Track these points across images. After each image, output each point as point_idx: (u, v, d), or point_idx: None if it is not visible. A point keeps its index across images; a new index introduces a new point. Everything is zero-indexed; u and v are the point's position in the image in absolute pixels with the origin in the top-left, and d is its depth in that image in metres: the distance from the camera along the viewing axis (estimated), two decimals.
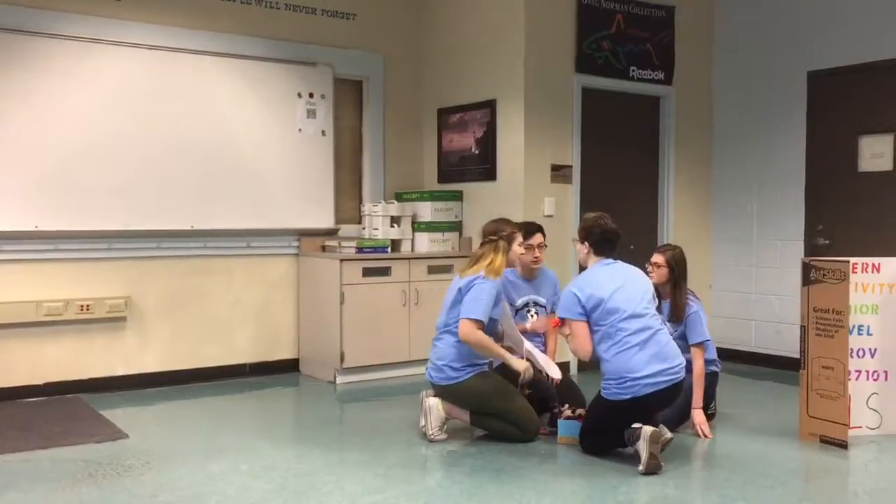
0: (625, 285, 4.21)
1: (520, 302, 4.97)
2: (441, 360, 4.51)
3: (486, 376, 4.50)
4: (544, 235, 5.07)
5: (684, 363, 4.26)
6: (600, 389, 4.22)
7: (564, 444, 4.42)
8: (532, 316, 4.99)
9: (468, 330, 4.33)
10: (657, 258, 4.88)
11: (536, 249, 4.98)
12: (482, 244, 4.62)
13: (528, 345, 4.65)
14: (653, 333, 4.12)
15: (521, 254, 4.73)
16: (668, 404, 4.18)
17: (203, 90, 6.05)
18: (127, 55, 5.76)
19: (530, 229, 4.97)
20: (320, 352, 6.28)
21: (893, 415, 4.64)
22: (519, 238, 4.65)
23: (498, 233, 4.57)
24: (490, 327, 4.46)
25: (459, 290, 4.48)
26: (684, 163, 7.07)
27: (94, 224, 5.64)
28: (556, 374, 4.58)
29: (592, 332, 4.20)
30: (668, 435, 4.12)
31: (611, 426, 4.15)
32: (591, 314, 4.17)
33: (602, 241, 4.36)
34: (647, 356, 4.06)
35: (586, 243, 4.38)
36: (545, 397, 4.70)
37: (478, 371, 4.49)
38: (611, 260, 4.38)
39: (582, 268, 4.55)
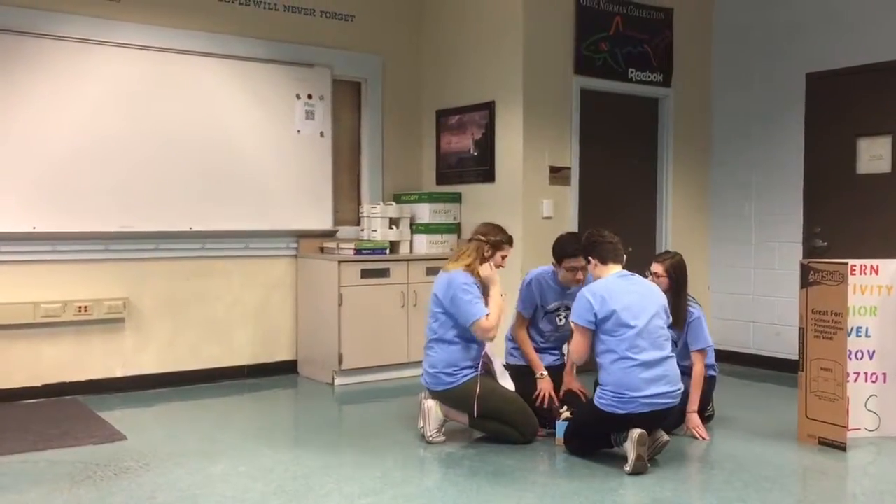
0: (640, 301, 4.12)
1: (552, 306, 4.90)
2: (434, 368, 4.53)
3: (481, 380, 4.48)
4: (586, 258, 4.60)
5: (682, 389, 4.22)
6: (594, 396, 4.20)
7: (562, 445, 4.40)
8: (561, 319, 4.93)
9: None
10: (657, 268, 4.78)
11: (580, 271, 4.69)
12: (470, 240, 4.67)
13: (488, 350, 4.64)
14: (662, 358, 4.06)
15: (564, 274, 4.71)
16: (658, 425, 4.13)
17: (201, 91, 6.05)
18: (125, 56, 5.75)
19: (572, 252, 4.65)
20: (319, 353, 6.28)
21: (892, 417, 4.65)
22: (507, 250, 4.63)
23: (487, 236, 4.60)
24: (467, 334, 4.48)
25: (436, 295, 4.54)
26: (683, 164, 7.07)
27: (92, 225, 5.64)
28: (510, 385, 4.56)
29: (599, 341, 4.13)
30: (665, 438, 4.13)
31: (599, 433, 4.17)
32: (600, 324, 4.09)
33: (602, 247, 4.30)
34: (650, 377, 4.01)
35: (591, 258, 4.35)
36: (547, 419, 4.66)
37: (472, 375, 4.49)
38: (627, 272, 4.30)
39: None
